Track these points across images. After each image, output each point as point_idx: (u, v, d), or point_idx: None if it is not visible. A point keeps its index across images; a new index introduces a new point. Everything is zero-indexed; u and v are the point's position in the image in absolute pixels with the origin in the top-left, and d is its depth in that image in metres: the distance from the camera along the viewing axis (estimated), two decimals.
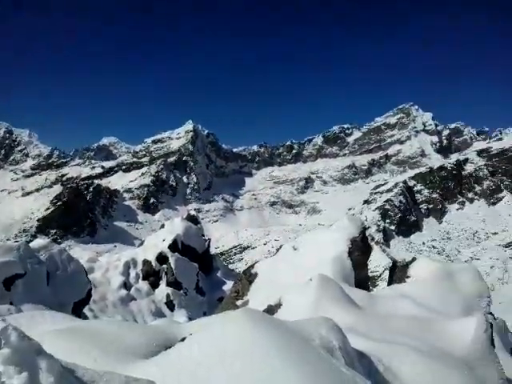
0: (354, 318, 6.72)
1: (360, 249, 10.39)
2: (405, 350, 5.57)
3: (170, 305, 25.10)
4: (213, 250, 49.69)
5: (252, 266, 12.12)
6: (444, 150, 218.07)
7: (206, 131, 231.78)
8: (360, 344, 5.58)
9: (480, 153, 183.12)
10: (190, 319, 20.90)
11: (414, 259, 9.87)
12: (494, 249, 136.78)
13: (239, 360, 3.35)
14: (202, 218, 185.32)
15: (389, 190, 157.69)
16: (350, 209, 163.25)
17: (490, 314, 9.58)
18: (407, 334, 6.37)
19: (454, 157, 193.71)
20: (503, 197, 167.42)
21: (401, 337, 6.16)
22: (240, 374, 3.29)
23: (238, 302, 11.12)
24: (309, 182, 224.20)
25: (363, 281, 10.66)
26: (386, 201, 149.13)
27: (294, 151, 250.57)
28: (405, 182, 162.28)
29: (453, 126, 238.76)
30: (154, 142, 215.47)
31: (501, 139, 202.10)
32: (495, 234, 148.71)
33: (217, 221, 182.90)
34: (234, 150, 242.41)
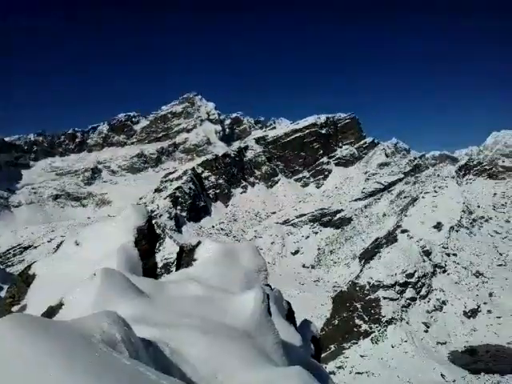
0: (141, 308, 6.66)
1: (146, 237, 10.34)
2: (189, 331, 5.75)
3: None
4: None
5: (29, 267, 10.97)
6: (227, 138, 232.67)
7: None
8: (147, 332, 5.54)
9: (258, 140, 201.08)
10: None
11: (199, 243, 10.28)
12: (274, 226, 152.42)
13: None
14: None
15: (178, 178, 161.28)
16: (141, 198, 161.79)
17: (268, 285, 10.53)
18: (192, 314, 6.59)
19: (236, 144, 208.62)
20: (279, 180, 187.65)
21: (186, 318, 6.34)
22: None
23: (14, 308, 9.98)
24: (96, 172, 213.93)
25: (152, 269, 10.67)
26: (177, 188, 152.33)
27: (77, 140, 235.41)
28: (193, 169, 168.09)
29: (234, 115, 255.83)
30: None
31: (274, 128, 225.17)
32: (274, 213, 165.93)
33: None
34: (6, 138, 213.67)
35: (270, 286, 10.90)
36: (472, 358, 75.82)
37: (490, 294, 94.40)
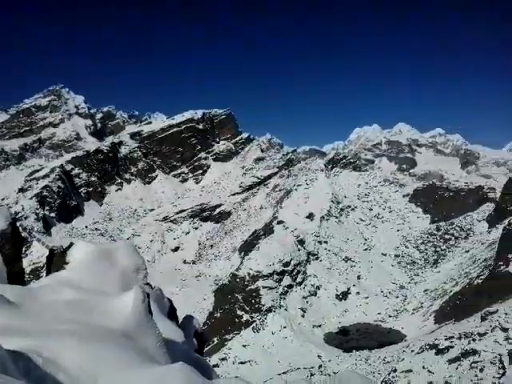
0: (8, 318, 6.13)
1: (10, 242, 9.48)
2: (64, 338, 5.44)
3: None
4: None
5: None
6: (99, 133, 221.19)
7: None
8: (16, 344, 5.13)
9: (133, 136, 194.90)
10: None
11: (71, 244, 9.70)
12: (153, 224, 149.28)
13: None
14: None
15: (45, 176, 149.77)
16: (2, 199, 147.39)
17: (148, 284, 10.34)
18: (67, 320, 6.24)
19: (109, 140, 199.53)
20: (156, 176, 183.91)
21: (61, 325, 5.98)
22: None
23: None
24: None
25: (19, 275, 9.83)
26: (44, 187, 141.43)
27: None
28: (62, 166, 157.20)
29: (105, 109, 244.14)
30: None
31: (150, 123, 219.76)
32: (152, 210, 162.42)
33: None
34: None
35: (151, 285, 10.73)
36: (345, 338, 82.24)
37: (358, 277, 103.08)
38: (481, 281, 79.76)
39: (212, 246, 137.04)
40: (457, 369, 49.35)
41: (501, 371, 44.34)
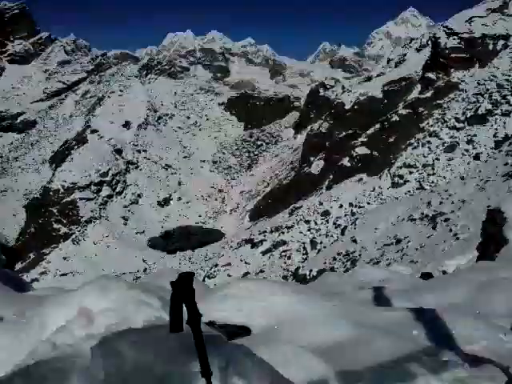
0: None
1: None
2: None
3: None
4: None
5: None
6: None
7: None
8: None
9: None
10: None
11: None
12: None
13: None
14: None
15: None
16: None
17: None
18: None
19: None
20: None
21: None
22: None
23: None
24: None
25: None
26: None
27: None
28: None
29: None
30: None
31: None
32: None
33: None
34: None
35: None
36: (168, 241, 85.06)
37: (179, 183, 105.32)
38: (288, 181, 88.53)
39: (16, 158, 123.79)
40: (269, 258, 55.76)
41: (304, 257, 51.64)
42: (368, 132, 71.85)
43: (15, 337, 2.73)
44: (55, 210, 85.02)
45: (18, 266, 67.96)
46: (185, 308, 1.86)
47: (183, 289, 1.82)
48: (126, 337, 2.41)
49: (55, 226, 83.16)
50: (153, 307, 2.98)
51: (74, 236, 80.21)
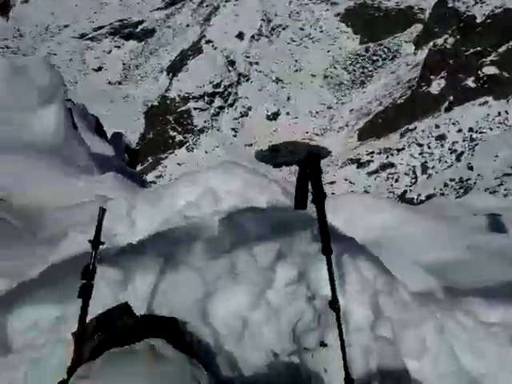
0: None
1: None
2: None
3: None
4: None
5: None
6: None
7: None
8: None
9: None
10: None
11: None
12: (69, 41, 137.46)
13: None
14: None
15: None
16: None
17: (69, 100, 9.84)
18: None
19: None
20: None
21: None
22: None
23: None
24: None
25: None
26: None
27: None
28: None
29: None
30: None
31: None
32: (67, 26, 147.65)
33: None
34: None
35: (73, 102, 10.23)
36: (275, 154, 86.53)
37: (288, 98, 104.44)
38: (403, 100, 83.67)
39: (137, 66, 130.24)
40: (375, 180, 54.74)
41: (413, 181, 49.88)
42: (500, 50, 64.24)
43: (153, 206, 3.08)
44: (171, 118, 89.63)
45: (138, 168, 74.21)
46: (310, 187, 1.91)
47: (311, 168, 1.87)
48: (250, 213, 2.62)
49: (171, 133, 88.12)
50: (274, 192, 3.15)
51: (187, 144, 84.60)
